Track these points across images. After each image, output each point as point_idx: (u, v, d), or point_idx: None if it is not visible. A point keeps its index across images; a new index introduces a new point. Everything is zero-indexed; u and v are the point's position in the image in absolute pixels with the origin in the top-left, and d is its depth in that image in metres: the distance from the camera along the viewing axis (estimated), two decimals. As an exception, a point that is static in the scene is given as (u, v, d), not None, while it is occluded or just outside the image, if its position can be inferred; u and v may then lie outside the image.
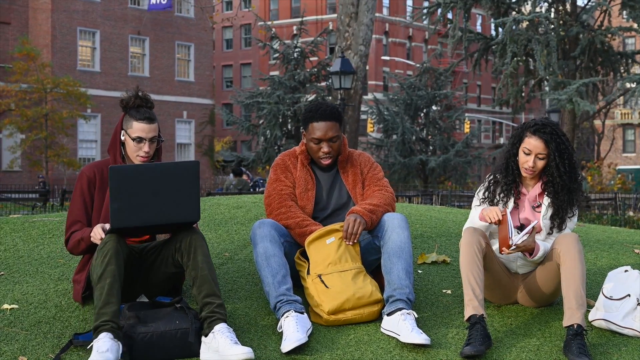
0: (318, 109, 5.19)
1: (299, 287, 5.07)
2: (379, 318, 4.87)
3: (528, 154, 4.97)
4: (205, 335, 4.37)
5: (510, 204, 5.04)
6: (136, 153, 4.81)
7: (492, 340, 4.62)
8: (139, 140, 4.79)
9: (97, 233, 4.60)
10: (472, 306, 4.64)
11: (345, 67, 22.79)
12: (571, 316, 4.60)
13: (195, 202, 4.57)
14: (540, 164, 4.97)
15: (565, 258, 4.75)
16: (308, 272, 4.92)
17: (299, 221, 5.05)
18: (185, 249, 4.58)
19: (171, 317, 4.47)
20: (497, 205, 5.05)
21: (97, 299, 4.31)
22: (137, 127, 4.79)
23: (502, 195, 5.07)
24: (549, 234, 5.04)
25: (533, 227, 4.82)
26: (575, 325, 4.56)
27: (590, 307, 5.19)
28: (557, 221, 5.02)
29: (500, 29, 28.52)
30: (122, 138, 4.85)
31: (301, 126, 5.32)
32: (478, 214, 5.00)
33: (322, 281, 4.84)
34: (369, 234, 5.12)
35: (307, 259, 4.98)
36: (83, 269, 4.81)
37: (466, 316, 4.66)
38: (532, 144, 4.94)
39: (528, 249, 4.85)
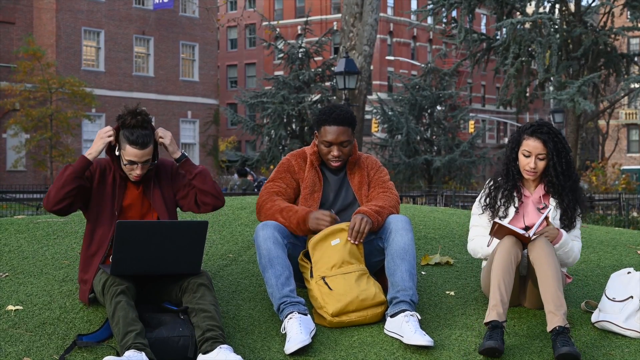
0: (332, 113, 5.19)
1: (303, 287, 5.08)
2: (382, 320, 4.87)
3: (528, 156, 5.00)
4: (205, 353, 4.31)
5: (511, 210, 5.06)
6: (128, 173, 4.80)
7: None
8: (130, 163, 4.75)
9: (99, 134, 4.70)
10: (496, 312, 4.59)
11: (349, 67, 22.77)
12: (552, 320, 4.59)
13: (197, 257, 4.62)
14: (541, 164, 5.00)
15: (537, 264, 4.76)
16: (311, 274, 4.93)
17: (282, 209, 5.07)
18: (192, 289, 4.58)
19: (175, 323, 4.48)
20: (497, 211, 5.07)
21: (116, 334, 4.32)
22: (130, 151, 4.72)
23: (503, 200, 5.08)
24: None
25: (546, 217, 4.86)
26: (557, 327, 4.54)
27: (592, 308, 5.21)
28: (566, 221, 5.04)
29: (503, 30, 28.55)
30: (117, 153, 4.81)
31: (314, 126, 5.33)
32: (486, 234, 5.05)
33: (326, 283, 4.85)
34: (373, 235, 5.13)
35: (311, 261, 4.99)
36: (86, 269, 4.81)
37: (487, 319, 4.61)
38: (531, 145, 4.99)
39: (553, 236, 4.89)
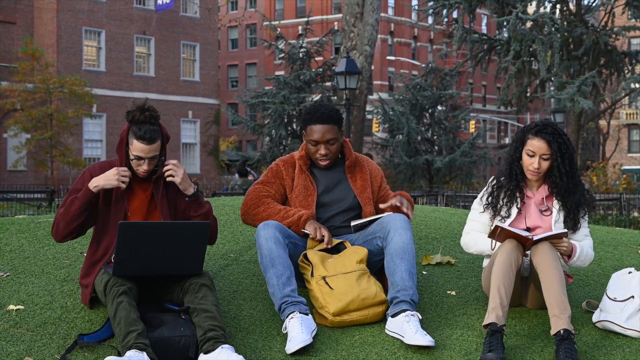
0: (316, 112, 5.21)
1: (303, 287, 5.08)
2: (383, 319, 4.87)
3: (532, 156, 4.98)
4: (207, 352, 4.30)
5: (513, 211, 5.05)
6: (136, 168, 4.81)
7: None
8: (138, 158, 4.75)
9: (119, 172, 4.67)
10: (495, 315, 4.56)
11: (350, 67, 22.78)
12: (556, 323, 4.55)
13: (199, 258, 4.62)
14: (545, 164, 4.98)
15: (540, 268, 4.73)
16: (312, 275, 4.93)
17: (283, 213, 5.12)
18: (194, 289, 4.58)
19: (176, 323, 4.48)
20: (500, 211, 5.06)
21: (117, 334, 4.31)
22: (137, 147, 4.72)
23: (505, 200, 5.07)
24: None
25: (556, 235, 4.83)
26: (562, 331, 4.51)
27: (594, 308, 5.21)
28: (571, 222, 5.02)
29: (504, 29, 28.60)
30: (126, 148, 4.83)
31: (302, 127, 5.35)
32: (486, 236, 5.02)
33: (327, 283, 4.85)
34: (372, 235, 5.13)
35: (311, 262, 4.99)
36: (88, 273, 4.81)
37: (486, 322, 4.58)
38: (535, 145, 4.96)
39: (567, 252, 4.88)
